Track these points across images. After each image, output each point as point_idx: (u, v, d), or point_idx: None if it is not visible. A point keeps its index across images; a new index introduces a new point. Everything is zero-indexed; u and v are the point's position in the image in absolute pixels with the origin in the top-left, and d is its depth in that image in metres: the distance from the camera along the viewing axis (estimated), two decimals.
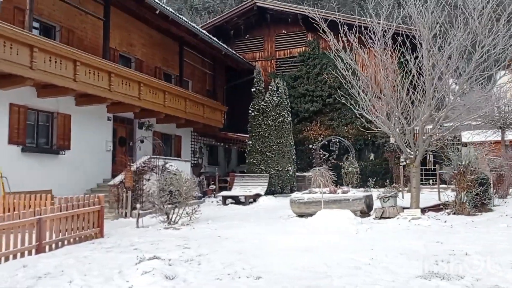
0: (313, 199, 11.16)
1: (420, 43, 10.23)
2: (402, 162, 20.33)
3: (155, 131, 18.82)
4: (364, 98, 11.15)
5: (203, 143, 23.50)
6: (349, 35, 11.57)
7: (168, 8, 17.32)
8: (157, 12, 16.57)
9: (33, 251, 8.20)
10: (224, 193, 16.32)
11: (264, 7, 25.18)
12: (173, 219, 11.50)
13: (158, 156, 15.69)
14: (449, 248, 7.14)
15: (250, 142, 18.64)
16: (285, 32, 25.74)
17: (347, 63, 11.73)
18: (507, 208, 11.61)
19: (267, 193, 16.82)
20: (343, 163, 18.64)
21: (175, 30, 18.83)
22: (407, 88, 10.46)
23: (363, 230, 8.96)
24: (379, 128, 11.40)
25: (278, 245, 8.01)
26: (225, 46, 22.14)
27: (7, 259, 7.63)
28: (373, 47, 11.19)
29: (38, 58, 11.73)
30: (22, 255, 7.95)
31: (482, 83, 10.88)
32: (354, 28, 12.36)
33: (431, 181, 18.35)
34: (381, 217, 10.17)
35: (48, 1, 14.15)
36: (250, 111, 19.13)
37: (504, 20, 9.52)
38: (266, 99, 18.73)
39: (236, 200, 16.33)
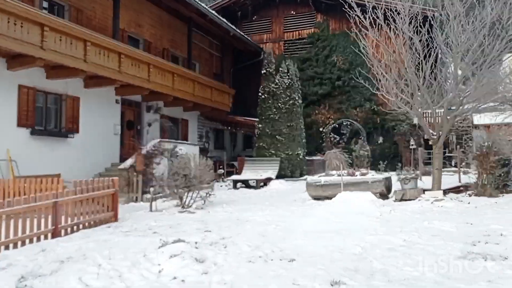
0: (331, 181, 10.93)
1: (448, 18, 9.79)
2: (412, 145, 20.12)
3: (162, 114, 18.53)
4: (387, 78, 10.73)
5: (209, 127, 23.21)
6: (374, 13, 11.03)
7: None
8: None
9: (49, 235, 8.01)
10: (235, 177, 16.08)
11: None
12: (186, 203, 11.29)
13: (168, 140, 15.43)
14: (482, 229, 6.91)
15: (260, 125, 18.35)
16: (294, 13, 25.26)
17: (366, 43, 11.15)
18: None
19: (277, 177, 16.58)
20: (354, 146, 18.36)
21: (184, 11, 18.43)
22: (431, 66, 10.10)
23: (386, 212, 8.74)
24: (400, 109, 11.05)
25: (302, 228, 7.78)
26: (233, 27, 21.72)
27: (23, 243, 7.43)
28: (396, 26, 10.70)
29: (49, 37, 11.42)
30: (38, 239, 7.76)
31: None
32: (371, 9, 11.88)
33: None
34: (401, 199, 9.95)
35: None
36: (260, 94, 18.79)
37: None
38: (277, 81, 18.38)
39: (246, 184, 16.12)
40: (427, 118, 10.85)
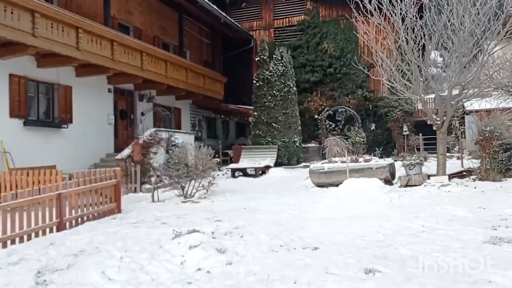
0: (334, 168, 10.87)
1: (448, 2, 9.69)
2: (405, 131, 20.21)
3: (155, 103, 18.21)
4: (388, 63, 10.62)
5: (202, 115, 22.95)
6: None
7: None
8: None
9: (54, 228, 7.77)
10: (233, 165, 15.93)
11: None
12: (189, 192, 11.12)
13: (164, 129, 15.18)
14: (496, 213, 6.92)
15: (256, 113, 18.17)
16: (283, 0, 24.98)
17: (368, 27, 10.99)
18: None
19: (275, 165, 16.48)
20: (350, 133, 18.34)
21: None
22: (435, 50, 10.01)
23: (395, 198, 8.72)
24: (403, 95, 10.97)
25: (315, 215, 7.70)
26: (224, 14, 21.38)
27: (29, 237, 7.20)
28: (396, 10, 10.56)
29: (40, 24, 11.03)
30: (44, 233, 7.52)
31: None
32: None
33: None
34: (406, 185, 9.95)
35: None
36: (254, 81, 18.59)
37: None
38: (271, 68, 18.17)
39: (244, 173, 15.98)
40: (428, 104, 10.74)
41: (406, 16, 10.07)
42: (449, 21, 10.07)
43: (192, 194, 11.12)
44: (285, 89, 18.14)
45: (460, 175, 10.56)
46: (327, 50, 23.42)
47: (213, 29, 23.45)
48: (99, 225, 8.17)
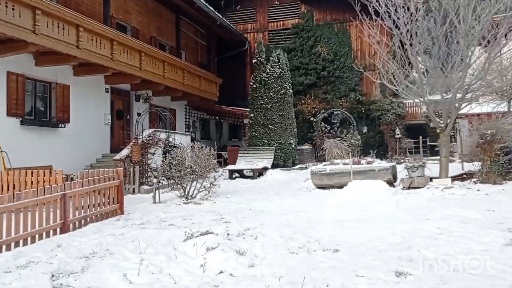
0: (336, 170, 10.84)
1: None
2: (398, 134, 20.34)
3: (151, 103, 18.04)
4: (391, 65, 10.62)
5: (196, 117, 22.81)
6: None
7: None
8: None
9: (58, 229, 7.61)
10: (230, 167, 15.82)
11: None
12: (190, 194, 11.00)
13: (162, 130, 15.02)
14: (507, 216, 6.96)
15: (252, 114, 18.09)
16: (278, 3, 25.01)
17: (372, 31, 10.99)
18: None
19: (272, 166, 16.42)
20: (345, 136, 18.40)
21: None
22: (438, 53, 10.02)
23: (401, 200, 8.73)
24: (407, 97, 10.98)
25: (325, 217, 7.65)
26: (220, 16, 21.30)
27: (33, 239, 7.03)
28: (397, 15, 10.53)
29: (41, 21, 10.84)
30: (48, 235, 7.36)
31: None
32: None
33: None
34: (409, 187, 9.96)
35: None
36: (251, 83, 18.52)
37: None
38: (268, 70, 18.12)
39: (241, 174, 15.88)
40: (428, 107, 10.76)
41: (411, 19, 10.05)
42: (451, 24, 10.09)
43: (194, 195, 11.01)
44: (282, 91, 18.11)
45: (461, 177, 10.62)
46: (321, 53, 23.51)
47: (208, 31, 23.37)
48: (104, 227, 8.02)
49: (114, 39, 13.65)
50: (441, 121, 10.31)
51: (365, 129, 22.02)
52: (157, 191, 10.93)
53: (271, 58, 18.51)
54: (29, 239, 6.92)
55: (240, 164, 15.95)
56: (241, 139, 23.27)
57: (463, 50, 9.46)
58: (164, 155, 14.72)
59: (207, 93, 20.65)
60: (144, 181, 13.32)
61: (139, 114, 17.53)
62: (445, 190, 9.25)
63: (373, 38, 11.04)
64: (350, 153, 11.96)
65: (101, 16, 14.71)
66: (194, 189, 11.05)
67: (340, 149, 12.15)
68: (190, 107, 22.03)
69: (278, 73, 18.19)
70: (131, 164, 13.00)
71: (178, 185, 11.16)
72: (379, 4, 10.67)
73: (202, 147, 11.20)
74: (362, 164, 10.67)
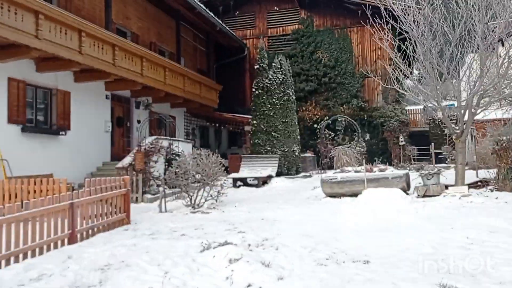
0: (348, 178, 10.60)
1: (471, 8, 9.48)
2: (402, 142, 20.18)
3: (151, 110, 17.74)
4: (404, 70, 10.42)
5: (195, 124, 22.52)
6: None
7: None
8: None
9: (66, 240, 7.29)
10: (234, 175, 15.52)
11: None
12: (197, 202, 10.70)
13: (164, 137, 14.73)
14: None
15: (255, 121, 17.83)
16: (277, 9, 24.88)
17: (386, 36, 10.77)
18: None
19: (275, 174, 16.14)
20: (347, 143, 18.17)
21: (172, 3, 17.69)
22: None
23: (420, 208, 8.49)
24: (423, 103, 10.77)
25: (344, 227, 7.40)
26: (220, 21, 21.11)
27: (41, 250, 6.71)
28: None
29: (44, 26, 10.54)
30: (56, 245, 7.05)
31: None
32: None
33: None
34: (424, 195, 9.73)
35: None
36: (253, 89, 18.28)
37: None
38: (270, 76, 17.91)
39: (245, 182, 15.60)
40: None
41: (424, 23, 9.86)
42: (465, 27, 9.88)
43: (201, 204, 10.71)
44: (285, 98, 17.90)
45: (475, 185, 10.42)
46: (322, 59, 23.37)
47: (207, 37, 23.15)
48: (113, 237, 7.71)
49: (116, 44, 13.38)
50: (457, 127, 10.12)
51: (367, 136, 21.83)
52: (163, 200, 10.60)
53: (273, 64, 18.32)
54: (37, 250, 6.62)
55: (243, 172, 15.65)
56: (240, 147, 23.00)
57: (480, 53, 9.29)
58: (166, 163, 14.45)
59: (207, 99, 20.40)
60: (146, 189, 13.00)
61: (139, 121, 17.22)
62: (463, 198, 9.04)
63: (386, 41, 10.82)
64: (359, 160, 11.71)
65: (101, 21, 14.44)
66: (201, 198, 10.75)
67: (349, 156, 11.91)
68: (190, 114, 21.75)
69: (280, 79, 17.99)
70: (134, 172, 12.68)
71: (184, 194, 10.87)
72: (391, 9, 10.49)
73: (209, 154, 10.92)
74: (375, 171, 10.43)
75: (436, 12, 9.59)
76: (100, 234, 8.07)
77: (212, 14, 20.27)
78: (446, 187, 9.89)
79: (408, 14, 9.90)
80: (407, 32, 10.48)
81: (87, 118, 14.07)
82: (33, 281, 5.14)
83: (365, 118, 22.26)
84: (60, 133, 12.87)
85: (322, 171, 17.82)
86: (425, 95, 10.18)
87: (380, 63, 22.93)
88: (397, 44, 10.81)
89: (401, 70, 11.10)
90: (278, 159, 16.43)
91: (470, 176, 10.63)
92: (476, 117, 16.02)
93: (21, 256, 6.27)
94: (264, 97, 17.78)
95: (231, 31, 22.89)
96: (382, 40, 10.72)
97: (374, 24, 10.96)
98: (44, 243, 6.77)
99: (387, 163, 19.63)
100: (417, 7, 10.09)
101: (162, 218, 9.58)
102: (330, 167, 18.57)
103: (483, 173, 11.00)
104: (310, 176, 16.94)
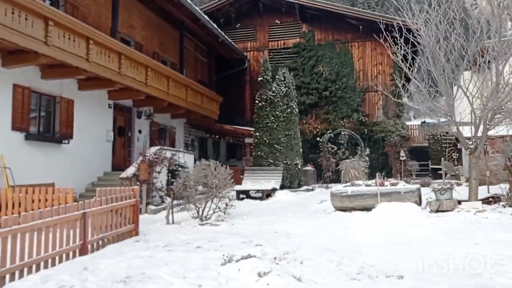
0: (358, 192, 10.48)
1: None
2: (403, 157, 20.15)
3: (153, 120, 17.56)
4: (418, 84, 10.39)
5: (195, 135, 22.34)
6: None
7: None
8: None
9: (77, 251, 7.06)
10: (238, 187, 15.29)
11: None
12: (204, 214, 10.50)
13: (167, 147, 14.54)
14: None
15: (257, 133, 17.71)
16: (279, 22, 24.94)
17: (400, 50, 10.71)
18: None
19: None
20: (348, 157, 18.11)
21: (176, 13, 17.64)
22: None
23: (436, 223, 8.38)
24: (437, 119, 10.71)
25: (364, 240, 7.27)
26: (222, 33, 21.09)
27: (53, 261, 6.48)
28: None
29: (53, 33, 10.38)
30: (68, 256, 6.83)
31: None
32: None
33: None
34: (437, 210, 9.63)
35: None
36: (257, 101, 18.20)
37: None
38: (274, 89, 17.85)
39: (247, 195, 15.40)
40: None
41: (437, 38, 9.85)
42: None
43: (208, 216, 10.51)
44: (288, 110, 17.83)
45: (487, 201, 10.33)
46: (323, 73, 23.39)
47: (209, 48, 23.11)
48: (124, 248, 7.50)
49: (122, 53, 13.24)
50: (471, 143, 10.07)
51: (367, 151, 21.76)
52: (170, 211, 10.37)
53: (276, 77, 18.29)
54: (49, 261, 6.39)
55: (247, 185, 15.47)
56: (240, 159, 22.80)
57: (496, 66, 9.29)
58: (169, 174, 14.23)
59: (208, 111, 20.27)
60: (150, 200, 12.75)
61: (140, 131, 17.04)
62: (477, 213, 8.95)
63: (399, 54, 10.77)
64: (366, 174, 11.61)
65: (106, 30, 14.28)
66: (209, 210, 10.55)
67: (357, 170, 11.81)
68: (190, 125, 21.58)
69: (284, 92, 17.94)
70: (138, 183, 12.44)
71: (192, 205, 10.66)
72: (407, 24, 10.47)
73: (218, 165, 10.75)
74: (386, 185, 10.32)
75: (452, 27, 9.59)
76: (111, 245, 7.85)
77: (216, 26, 20.24)
78: (459, 202, 9.80)
79: (426, 28, 9.88)
80: (416, 46, 10.50)
81: (89, 127, 13.84)
82: None
83: (366, 133, 22.21)
84: (63, 141, 12.63)
85: (325, 184, 17.71)
86: (438, 109, 10.12)
87: (381, 78, 23.12)
88: (410, 58, 10.74)
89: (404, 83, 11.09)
90: (282, 172, 16.26)
91: (481, 192, 10.55)
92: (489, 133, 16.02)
93: (34, 267, 6.05)
94: (267, 109, 17.70)
95: (232, 43, 22.85)
96: (392, 54, 10.67)
97: (388, 38, 10.91)
98: (57, 253, 6.56)
99: (398, 177, 19.62)
100: (431, 21, 10.07)
101: (171, 230, 9.37)
102: (333, 181, 18.49)
103: (494, 189, 10.94)
104: (312, 189, 16.80)
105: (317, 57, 23.74)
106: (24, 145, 11.37)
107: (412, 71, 10.32)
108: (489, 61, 9.95)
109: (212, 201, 10.59)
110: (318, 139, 20.00)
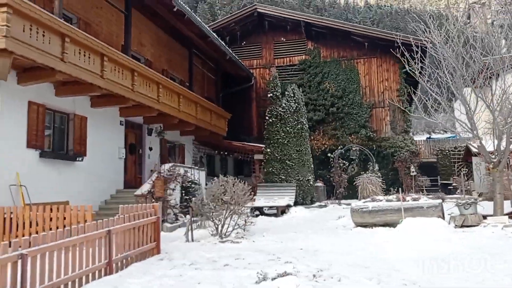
0: (380, 207, 10.32)
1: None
2: (413, 172, 20.03)
3: (163, 138, 17.45)
4: (439, 100, 10.31)
5: (203, 152, 22.22)
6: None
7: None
8: (175, 9, 15.41)
9: (102, 270, 6.86)
10: (251, 204, 15.15)
11: (264, 13, 24.51)
12: (223, 232, 10.32)
13: (180, 164, 14.40)
14: None
15: (268, 150, 17.61)
16: (284, 39, 25.08)
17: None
18: None
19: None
20: (357, 172, 17.97)
21: (185, 31, 17.68)
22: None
23: (465, 239, 8.21)
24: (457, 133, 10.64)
25: (396, 257, 7.08)
26: (230, 51, 21.15)
27: (80, 281, 6.29)
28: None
29: (70, 49, 10.33)
30: (94, 276, 6.62)
31: None
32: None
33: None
34: (461, 225, 9.47)
35: None
36: (267, 117, 18.15)
37: None
38: (284, 105, 17.82)
39: (261, 211, 15.22)
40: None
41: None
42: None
43: (228, 233, 10.33)
44: (298, 126, 17.76)
45: (510, 215, 10.18)
46: (329, 89, 23.43)
47: (216, 65, 23.16)
48: (149, 267, 7.31)
49: (135, 69, 13.21)
50: (493, 157, 9.97)
51: (376, 166, 21.65)
52: (189, 229, 10.19)
53: (286, 92, 18.28)
54: (76, 281, 6.20)
55: (260, 201, 15.28)
56: (248, 176, 22.64)
57: None
58: (183, 191, 14.07)
59: (217, 127, 20.20)
60: (165, 218, 12.56)
61: (151, 149, 16.91)
62: (505, 228, 8.79)
63: (417, 70, 10.72)
64: (384, 189, 11.47)
65: (117, 47, 14.22)
66: (228, 227, 10.37)
67: (375, 185, 11.67)
68: (198, 142, 21.47)
69: (294, 108, 17.90)
70: (153, 200, 12.26)
71: (210, 222, 10.48)
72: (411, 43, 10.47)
73: (236, 181, 10.61)
74: (408, 200, 10.17)
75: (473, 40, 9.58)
76: (135, 264, 7.66)
77: (224, 43, 20.31)
78: (484, 217, 9.65)
79: (446, 44, 9.87)
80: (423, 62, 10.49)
81: (102, 144, 13.72)
82: None
83: (374, 148, 22.13)
84: (77, 159, 12.48)
85: (337, 201, 17.54)
86: (463, 124, 10.02)
87: (388, 94, 23.15)
88: (427, 73, 10.73)
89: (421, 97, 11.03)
90: (296, 188, 16.10)
91: (506, 206, 10.39)
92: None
93: (62, 287, 5.86)
94: (277, 125, 17.64)
95: (239, 60, 22.92)
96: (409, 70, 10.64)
97: (405, 54, 10.88)
98: (84, 273, 6.38)
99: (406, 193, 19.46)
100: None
101: (192, 248, 9.17)
102: (345, 197, 18.33)
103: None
104: (325, 206, 16.64)
105: (323, 74, 23.81)
106: (38, 162, 11.22)
107: (431, 84, 10.26)
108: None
109: (231, 218, 10.42)
110: (329, 155, 19.87)
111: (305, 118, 18.56)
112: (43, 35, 9.67)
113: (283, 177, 16.93)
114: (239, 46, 25.37)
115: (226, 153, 21.93)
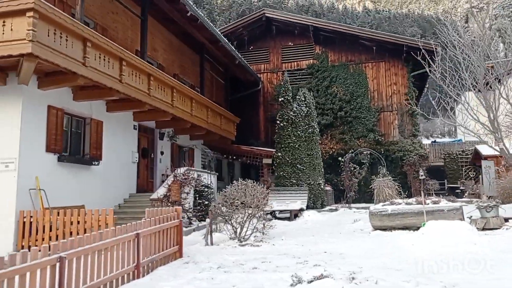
0: (399, 210, 10.33)
1: None
2: (422, 175, 20.04)
3: (174, 142, 17.47)
4: (469, 106, 10.32)
5: (211, 156, 22.21)
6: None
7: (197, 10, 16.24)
8: (188, 14, 15.49)
9: (131, 274, 6.87)
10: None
11: (273, 18, 24.61)
12: (242, 235, 10.32)
13: (194, 168, 14.42)
14: None
15: (279, 154, 17.64)
16: (292, 44, 25.17)
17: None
18: None
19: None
20: (374, 176, 17.96)
21: (197, 35, 17.75)
22: None
23: (492, 241, 8.22)
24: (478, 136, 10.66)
25: (427, 259, 7.05)
26: (239, 55, 21.20)
27: (111, 284, 6.32)
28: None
29: (91, 54, 10.38)
30: (123, 280, 6.66)
31: None
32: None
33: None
34: (483, 228, 9.47)
35: None
36: (278, 121, 18.20)
37: None
38: (295, 109, 17.86)
39: (273, 215, 15.20)
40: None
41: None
42: None
43: (246, 237, 10.33)
44: (309, 130, 17.81)
45: None
46: (337, 93, 23.48)
47: (225, 70, 23.22)
48: (176, 271, 7.32)
49: (151, 74, 13.26)
50: None
51: (384, 170, 21.66)
52: (209, 233, 10.18)
53: (297, 97, 18.32)
54: (108, 284, 6.21)
55: (273, 205, 15.25)
56: (255, 180, 22.62)
57: None
58: (196, 195, 14.07)
59: (226, 132, 20.24)
60: None
61: (162, 153, 16.92)
62: None
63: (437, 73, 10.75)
64: (400, 192, 11.48)
65: (132, 52, 14.29)
66: (247, 230, 10.38)
67: (391, 188, 11.69)
68: (207, 146, 21.49)
69: (305, 112, 17.96)
70: (169, 204, 12.27)
71: (229, 226, 10.49)
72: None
73: (255, 185, 10.63)
74: (428, 203, 10.17)
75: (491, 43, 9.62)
76: (161, 268, 7.69)
77: (233, 48, 20.38)
78: (506, 219, 9.66)
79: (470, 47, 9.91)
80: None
81: (116, 149, 13.74)
82: None
83: (382, 152, 22.15)
84: (93, 163, 12.49)
85: (347, 204, 17.55)
86: (486, 128, 10.04)
87: (396, 98, 23.21)
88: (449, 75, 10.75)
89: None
90: (308, 192, 16.11)
91: None
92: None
93: None
94: (289, 129, 17.67)
95: (248, 65, 22.98)
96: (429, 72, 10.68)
97: (426, 57, 10.92)
98: (114, 276, 6.41)
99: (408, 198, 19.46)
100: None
101: (213, 251, 9.17)
102: (355, 201, 18.34)
103: None
104: (336, 209, 16.64)
105: (331, 78, 23.87)
106: (57, 166, 11.23)
107: (455, 88, 10.30)
108: None
109: (250, 221, 10.43)
110: (339, 159, 19.87)
111: (315, 122, 18.61)
112: (66, 40, 9.72)
113: (294, 181, 16.95)
114: (247, 51, 25.46)
115: (234, 157, 21.92)
